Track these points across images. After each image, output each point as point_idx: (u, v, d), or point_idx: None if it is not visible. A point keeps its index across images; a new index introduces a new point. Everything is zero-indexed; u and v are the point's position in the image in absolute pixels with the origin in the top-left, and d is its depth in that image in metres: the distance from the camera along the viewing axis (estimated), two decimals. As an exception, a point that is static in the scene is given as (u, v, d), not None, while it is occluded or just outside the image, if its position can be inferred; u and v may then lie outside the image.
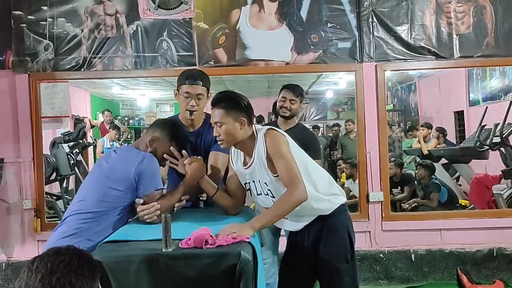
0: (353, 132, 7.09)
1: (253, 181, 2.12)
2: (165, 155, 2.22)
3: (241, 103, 2.04)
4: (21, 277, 1.10)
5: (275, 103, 3.97)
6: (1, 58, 3.90)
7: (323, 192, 2.12)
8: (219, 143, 2.09)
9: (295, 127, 3.25)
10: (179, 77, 2.44)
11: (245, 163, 2.13)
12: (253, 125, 2.10)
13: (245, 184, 2.17)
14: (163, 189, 2.15)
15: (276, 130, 2.06)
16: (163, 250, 1.67)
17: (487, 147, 5.07)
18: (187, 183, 2.19)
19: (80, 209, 2.06)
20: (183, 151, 2.24)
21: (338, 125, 8.45)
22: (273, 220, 1.99)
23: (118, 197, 2.06)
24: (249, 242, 1.78)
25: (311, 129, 4.99)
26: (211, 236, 1.72)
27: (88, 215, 2.03)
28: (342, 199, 2.19)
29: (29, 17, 3.86)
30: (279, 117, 3.31)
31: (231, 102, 2.04)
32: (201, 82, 2.36)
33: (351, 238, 2.19)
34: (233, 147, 2.14)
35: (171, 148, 2.22)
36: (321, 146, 4.85)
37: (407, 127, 8.18)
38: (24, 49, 3.86)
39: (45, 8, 3.85)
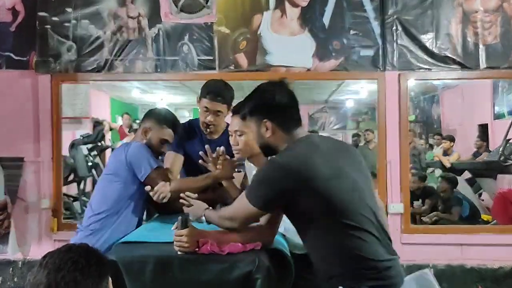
0: (372, 142, 7.01)
1: None
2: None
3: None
4: (32, 270, 1.14)
5: None
6: (25, 59, 3.96)
7: None
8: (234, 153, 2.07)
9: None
10: (202, 87, 2.41)
11: None
12: None
13: None
14: (161, 166, 2.21)
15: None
16: (179, 253, 1.65)
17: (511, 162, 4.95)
18: (214, 176, 2.17)
19: (93, 211, 2.16)
20: (206, 146, 2.18)
21: (357, 135, 8.36)
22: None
23: (120, 189, 2.14)
24: (268, 249, 1.74)
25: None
26: (212, 244, 1.67)
27: (100, 215, 2.13)
28: None
29: (53, 18, 3.91)
30: None
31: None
32: (221, 99, 2.32)
33: None
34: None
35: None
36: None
37: (435, 139, 7.81)
38: (47, 50, 3.90)
39: (69, 10, 3.90)
